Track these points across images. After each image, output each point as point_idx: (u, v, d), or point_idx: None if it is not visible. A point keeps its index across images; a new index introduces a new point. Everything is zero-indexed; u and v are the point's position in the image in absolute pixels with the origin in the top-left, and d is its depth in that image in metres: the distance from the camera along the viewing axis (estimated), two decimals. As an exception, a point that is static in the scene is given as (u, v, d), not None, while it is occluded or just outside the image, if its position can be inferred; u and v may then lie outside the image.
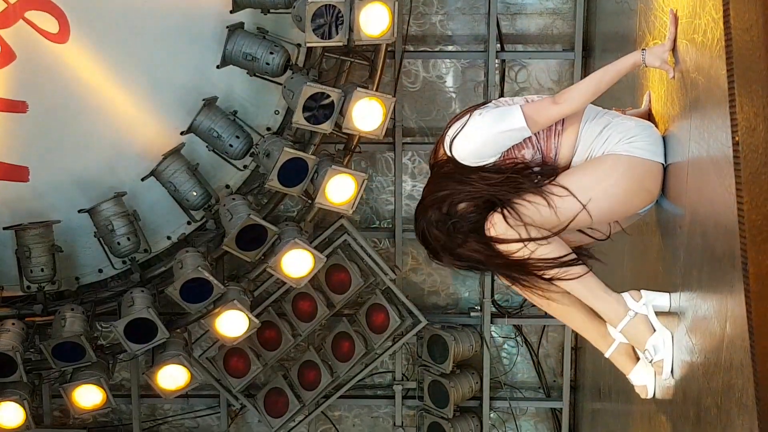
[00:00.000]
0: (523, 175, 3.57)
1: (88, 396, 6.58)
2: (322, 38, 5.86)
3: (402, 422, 7.44)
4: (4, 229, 6.50)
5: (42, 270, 6.40)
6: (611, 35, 6.00)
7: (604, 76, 3.62)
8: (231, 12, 6.13)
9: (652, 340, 3.54)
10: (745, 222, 2.54)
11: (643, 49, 3.62)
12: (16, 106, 6.39)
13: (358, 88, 6.10)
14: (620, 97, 4.60)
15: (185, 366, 6.49)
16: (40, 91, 6.37)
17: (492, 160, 3.60)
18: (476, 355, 7.26)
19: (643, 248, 4.53)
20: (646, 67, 3.64)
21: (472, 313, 7.27)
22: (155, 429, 7.58)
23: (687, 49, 3.43)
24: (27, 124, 6.43)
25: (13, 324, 6.53)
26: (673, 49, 3.51)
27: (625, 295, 3.60)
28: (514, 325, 7.37)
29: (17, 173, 6.55)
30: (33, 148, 6.51)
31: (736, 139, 2.57)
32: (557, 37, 6.96)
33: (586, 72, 6.84)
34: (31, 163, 6.55)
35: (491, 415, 7.43)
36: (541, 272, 3.53)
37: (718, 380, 3.03)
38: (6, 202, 6.60)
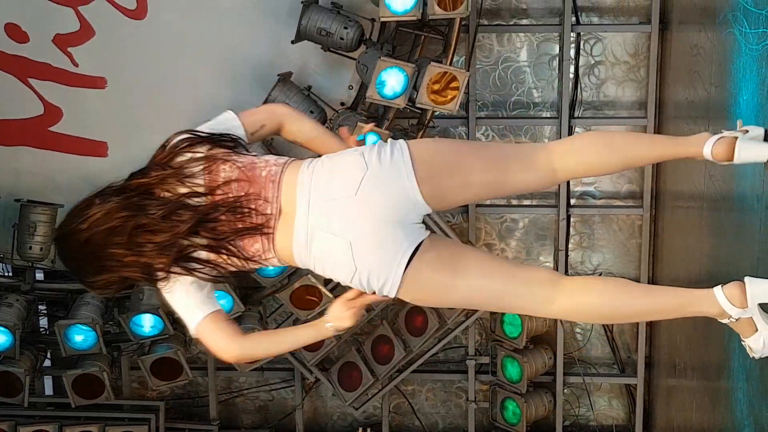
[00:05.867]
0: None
1: (165, 368, 6.70)
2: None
3: (475, 397, 7.45)
4: (84, 203, 6.60)
5: (120, 244, 6.50)
6: (689, 7, 5.91)
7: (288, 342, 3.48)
8: (305, -13, 6.15)
9: (750, 340, 3.29)
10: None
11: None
12: (96, 82, 6.48)
13: (432, 63, 6.09)
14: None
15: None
16: (118, 67, 6.46)
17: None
18: (550, 331, 7.24)
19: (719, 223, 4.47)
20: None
21: (546, 289, 7.22)
22: (231, 401, 7.68)
23: None
24: (106, 100, 6.52)
25: (93, 297, 6.66)
26: None
27: (721, 297, 3.22)
28: (589, 301, 7.29)
29: (96, 148, 6.66)
30: (112, 123, 6.60)
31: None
32: (633, 9, 6.87)
33: (662, 45, 6.74)
34: (110, 138, 6.65)
35: (565, 390, 7.41)
36: None
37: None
38: (86, 176, 6.69)
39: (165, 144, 3.38)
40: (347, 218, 3.21)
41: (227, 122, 3.45)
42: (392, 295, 3.29)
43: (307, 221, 3.23)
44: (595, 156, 3.36)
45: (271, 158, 3.35)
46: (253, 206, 3.24)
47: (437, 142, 3.51)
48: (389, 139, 3.36)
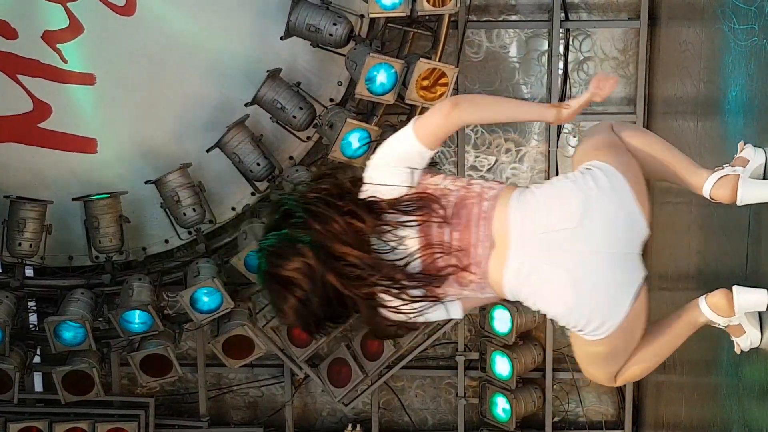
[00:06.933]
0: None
1: (155, 365, 6.70)
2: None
3: (464, 393, 7.45)
4: (73, 200, 6.60)
5: (110, 240, 6.50)
6: (678, 3, 5.92)
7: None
8: (294, -17, 6.15)
9: (739, 340, 3.33)
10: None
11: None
12: (84, 79, 6.48)
13: (421, 59, 6.10)
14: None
15: (250, 335, 6.57)
16: (107, 63, 6.45)
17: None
18: (539, 327, 7.25)
19: (708, 218, 4.48)
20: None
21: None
22: (221, 398, 7.68)
23: None
24: (95, 96, 6.52)
25: (83, 293, 6.66)
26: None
27: (706, 310, 3.25)
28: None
29: (85, 145, 6.65)
30: (100, 120, 6.60)
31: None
32: (622, 5, 6.88)
33: (651, 41, 6.76)
34: (99, 134, 6.64)
35: (554, 386, 7.42)
36: None
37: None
38: (74, 173, 6.70)
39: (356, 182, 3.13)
40: (571, 251, 3.04)
41: (414, 157, 3.16)
42: (599, 338, 3.11)
43: (522, 254, 3.06)
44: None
45: (479, 187, 3.15)
46: (465, 263, 3.07)
47: (629, 158, 3.19)
48: (594, 163, 3.13)
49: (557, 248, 3.04)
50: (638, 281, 3.09)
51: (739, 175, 3.18)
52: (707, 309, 3.22)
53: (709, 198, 3.21)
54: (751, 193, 3.15)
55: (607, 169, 3.09)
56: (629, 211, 3.07)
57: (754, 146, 3.30)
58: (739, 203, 3.17)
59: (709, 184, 3.20)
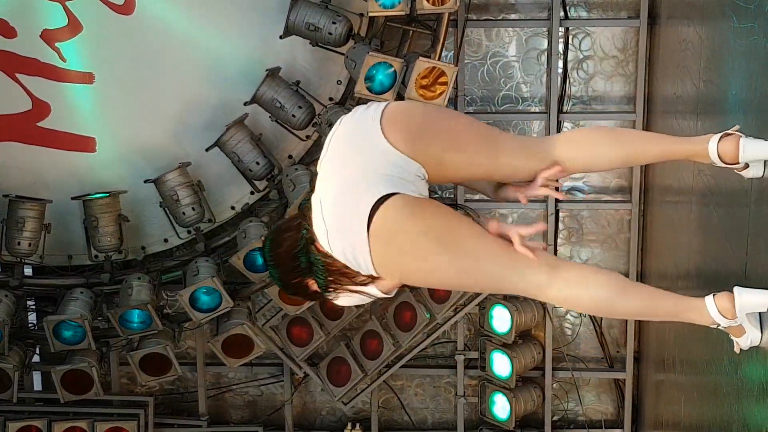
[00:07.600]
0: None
1: (154, 364, 6.70)
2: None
3: (464, 392, 7.45)
4: (72, 199, 6.60)
5: (109, 239, 6.50)
6: (678, 2, 5.92)
7: None
8: (294, -18, 6.14)
9: (739, 339, 3.32)
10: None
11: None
12: (83, 78, 6.48)
13: (420, 58, 6.09)
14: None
15: (249, 335, 6.57)
16: (106, 62, 6.45)
17: None
18: (538, 326, 7.24)
19: (708, 219, 4.48)
20: None
21: (534, 284, 7.22)
22: (220, 397, 7.68)
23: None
24: (94, 95, 6.52)
25: (82, 292, 6.66)
26: None
27: (713, 311, 3.21)
28: (577, 296, 7.30)
29: (84, 144, 6.65)
30: (100, 119, 6.60)
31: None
32: (622, 3, 6.88)
33: (651, 40, 6.76)
34: (98, 133, 6.64)
35: (554, 385, 7.41)
36: None
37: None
38: (73, 172, 6.70)
39: None
40: (321, 178, 3.23)
41: None
42: (375, 272, 3.14)
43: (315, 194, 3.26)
44: (603, 148, 3.26)
45: None
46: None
47: (428, 105, 3.45)
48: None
49: (318, 181, 3.23)
50: (376, 195, 3.07)
51: (740, 135, 3.23)
52: (716, 311, 3.19)
53: (714, 158, 3.23)
54: (753, 149, 3.20)
55: (377, 103, 3.24)
56: (369, 128, 3.15)
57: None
58: (741, 160, 3.20)
59: (714, 143, 3.23)
